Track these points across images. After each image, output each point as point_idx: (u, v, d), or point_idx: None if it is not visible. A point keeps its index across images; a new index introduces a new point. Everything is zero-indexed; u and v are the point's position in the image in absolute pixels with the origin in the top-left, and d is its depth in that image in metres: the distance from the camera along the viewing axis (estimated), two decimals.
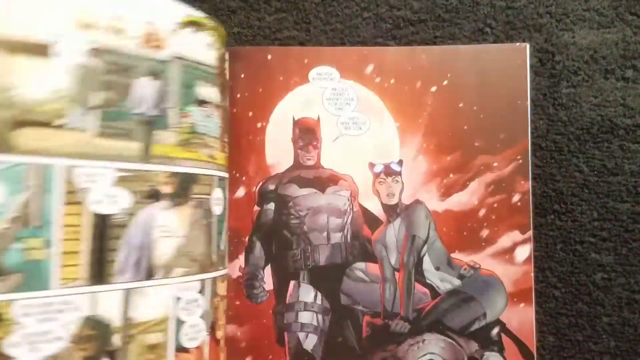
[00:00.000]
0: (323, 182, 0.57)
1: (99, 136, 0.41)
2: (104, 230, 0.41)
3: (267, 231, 0.57)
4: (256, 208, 0.57)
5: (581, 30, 0.59)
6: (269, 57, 0.58)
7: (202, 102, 0.48)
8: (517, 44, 0.58)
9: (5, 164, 0.37)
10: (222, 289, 0.51)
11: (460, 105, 0.57)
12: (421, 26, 0.61)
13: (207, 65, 0.49)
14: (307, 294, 0.56)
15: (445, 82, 0.57)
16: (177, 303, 0.45)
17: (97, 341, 0.40)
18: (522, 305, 0.55)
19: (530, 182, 0.56)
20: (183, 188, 0.46)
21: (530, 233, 0.56)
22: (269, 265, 0.57)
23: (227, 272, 0.53)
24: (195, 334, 0.46)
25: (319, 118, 0.58)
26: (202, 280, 0.47)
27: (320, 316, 0.56)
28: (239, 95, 0.58)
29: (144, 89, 0.44)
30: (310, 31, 0.61)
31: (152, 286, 0.43)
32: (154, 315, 0.43)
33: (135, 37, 0.43)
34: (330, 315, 0.56)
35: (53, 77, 0.39)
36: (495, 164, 0.56)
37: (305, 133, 0.58)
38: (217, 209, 0.50)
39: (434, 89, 0.57)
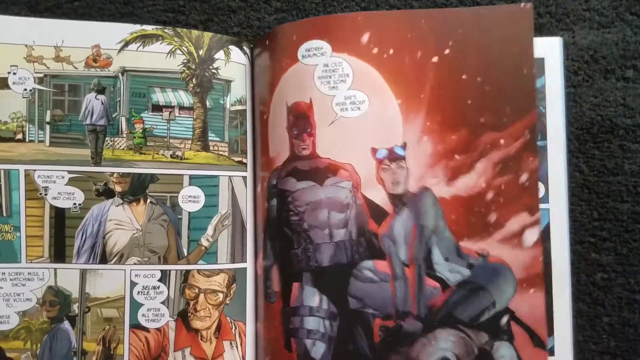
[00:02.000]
0: (321, 173, 0.55)
1: (53, 145, 0.55)
2: (63, 220, 0.55)
3: (274, 229, 0.56)
4: (265, 204, 0.57)
5: (581, 30, 0.59)
6: (267, 42, 0.56)
7: (161, 107, 0.57)
8: (522, 4, 0.54)
9: None
10: (204, 282, 0.56)
11: (464, 77, 0.54)
12: None
13: (166, 72, 0.57)
14: (312, 297, 0.54)
15: (447, 51, 0.54)
16: (132, 287, 0.55)
17: (60, 306, 0.55)
18: (532, 290, 0.54)
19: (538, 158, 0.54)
20: (136, 187, 0.56)
21: (539, 214, 0.54)
22: (276, 265, 0.56)
23: (215, 267, 0.56)
24: (155, 317, 0.55)
25: (311, 101, 0.55)
26: (164, 271, 0.56)
27: (327, 322, 0.54)
28: (255, 90, 0.58)
29: (91, 104, 0.56)
30: None
31: (105, 269, 0.55)
32: (108, 293, 0.55)
33: (79, 62, 0.56)
34: (338, 321, 0.54)
35: (11, 103, 0.55)
36: (502, 141, 0.54)
37: (298, 119, 0.55)
38: (188, 206, 0.56)
39: (435, 59, 0.54)
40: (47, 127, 0.55)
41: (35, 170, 0.55)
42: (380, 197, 0.55)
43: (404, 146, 0.55)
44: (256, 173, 0.58)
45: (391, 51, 0.55)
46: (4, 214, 0.54)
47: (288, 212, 0.55)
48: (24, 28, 0.55)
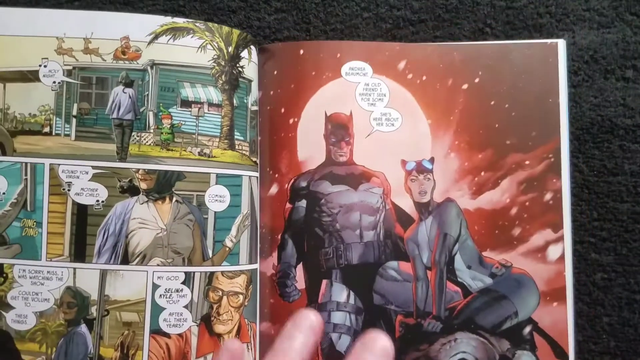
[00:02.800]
0: (355, 178, 0.60)
1: (78, 139, 0.54)
2: (85, 218, 0.53)
3: (299, 229, 0.59)
4: (288, 205, 0.60)
5: (581, 30, 0.62)
6: (301, 52, 0.61)
7: (190, 103, 0.56)
8: (549, 41, 0.60)
9: (7, 163, 0.53)
10: (227, 284, 0.56)
11: (492, 103, 0.60)
12: (421, 26, 0.63)
13: (196, 67, 0.56)
14: (340, 293, 0.58)
15: (476, 80, 0.60)
16: (154, 289, 0.53)
17: (77, 308, 0.53)
18: (555, 304, 0.58)
19: (563, 180, 0.58)
20: (162, 184, 0.55)
21: (562, 231, 0.58)
22: (301, 264, 0.59)
23: (237, 269, 0.56)
24: (177, 322, 0.53)
25: (351, 113, 0.60)
26: (188, 273, 0.54)
27: (353, 316, 0.58)
28: (272, 92, 0.61)
29: (118, 97, 0.55)
30: (310, 31, 0.64)
31: (127, 270, 0.53)
32: (129, 296, 0.53)
33: (107, 54, 0.54)
34: (363, 315, 0.58)
35: (41, 96, 0.54)
36: (527, 162, 0.59)
37: (338, 129, 0.60)
38: (215, 205, 0.56)
39: (465, 86, 0.60)
40: (73, 120, 0.54)
41: (59, 164, 0.53)
42: (407, 205, 0.60)
43: (431, 160, 0.60)
44: (263, 174, 0.60)
45: (424, 77, 0.61)
46: (29, 208, 0.53)
47: (320, 213, 0.60)
48: (56, 20, 0.54)
